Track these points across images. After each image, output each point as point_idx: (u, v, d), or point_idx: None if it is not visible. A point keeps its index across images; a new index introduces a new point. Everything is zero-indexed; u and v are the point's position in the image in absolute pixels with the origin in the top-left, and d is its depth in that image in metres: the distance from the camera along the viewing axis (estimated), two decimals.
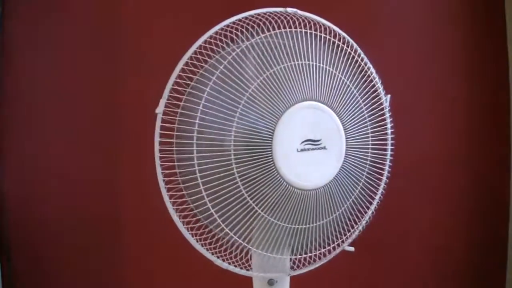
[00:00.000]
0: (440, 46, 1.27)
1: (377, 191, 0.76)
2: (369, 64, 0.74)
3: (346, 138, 0.70)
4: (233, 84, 0.65)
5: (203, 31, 0.67)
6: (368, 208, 0.75)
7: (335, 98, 0.69)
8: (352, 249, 0.75)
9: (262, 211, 0.66)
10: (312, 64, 0.68)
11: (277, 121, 0.65)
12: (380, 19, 1.27)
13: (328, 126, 0.69)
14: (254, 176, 0.65)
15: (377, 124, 0.75)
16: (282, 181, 0.66)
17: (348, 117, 0.71)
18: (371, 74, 0.74)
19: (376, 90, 0.75)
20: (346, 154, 0.70)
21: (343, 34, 0.73)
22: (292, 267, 0.74)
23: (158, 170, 0.66)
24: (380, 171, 0.76)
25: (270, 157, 0.65)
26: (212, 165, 0.65)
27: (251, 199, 0.66)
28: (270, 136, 0.65)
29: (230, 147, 0.65)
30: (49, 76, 1.28)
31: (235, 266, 0.70)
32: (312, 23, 0.71)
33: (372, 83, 0.74)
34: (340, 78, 0.70)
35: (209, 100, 0.65)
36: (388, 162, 0.76)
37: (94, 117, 1.29)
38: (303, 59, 0.68)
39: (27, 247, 1.30)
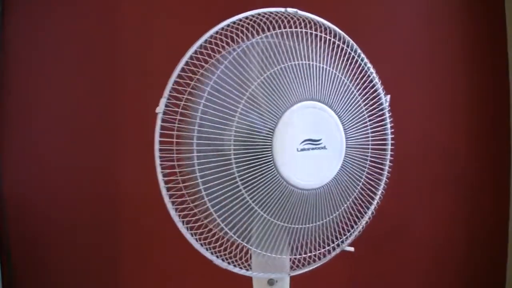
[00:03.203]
0: (439, 46, 1.27)
1: (377, 191, 0.76)
2: (368, 64, 0.74)
3: (346, 138, 0.70)
4: (234, 84, 0.65)
5: (205, 31, 0.67)
6: (368, 208, 0.75)
7: (335, 98, 0.69)
8: (352, 249, 0.75)
9: (262, 210, 0.66)
10: (313, 64, 0.68)
11: (278, 120, 0.65)
12: (379, 19, 1.27)
13: (328, 126, 0.69)
14: (254, 176, 0.65)
15: (377, 124, 0.74)
16: (282, 180, 0.66)
17: (348, 117, 0.71)
18: (371, 74, 0.74)
19: (376, 90, 0.75)
20: (346, 154, 0.70)
21: (343, 33, 0.73)
22: (292, 267, 0.74)
23: (158, 170, 0.65)
24: (380, 171, 0.75)
25: (270, 157, 0.65)
26: (212, 164, 0.65)
27: (250, 198, 0.66)
28: (270, 136, 0.65)
29: (230, 147, 0.65)
30: (49, 75, 1.28)
31: (235, 265, 0.70)
32: (312, 23, 0.71)
33: (372, 83, 0.74)
34: (340, 78, 0.70)
35: (209, 100, 0.65)
36: (388, 162, 0.76)
37: (95, 116, 1.28)
38: (303, 59, 0.68)
39: (27, 247, 1.29)
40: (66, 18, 1.28)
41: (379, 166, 0.75)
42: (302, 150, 0.67)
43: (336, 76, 0.70)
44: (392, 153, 0.77)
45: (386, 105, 0.76)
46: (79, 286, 1.31)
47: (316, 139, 0.68)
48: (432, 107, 1.27)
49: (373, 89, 0.75)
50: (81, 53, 1.28)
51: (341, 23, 0.73)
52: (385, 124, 0.76)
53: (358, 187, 0.73)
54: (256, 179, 0.65)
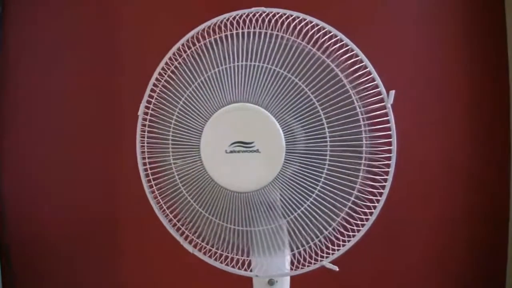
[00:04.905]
0: (438, 46, 1.27)
1: (344, 206, 0.68)
2: (365, 60, 0.68)
3: (288, 142, 0.66)
4: (173, 90, 0.72)
5: None
6: (329, 224, 0.68)
7: (274, 99, 0.66)
8: (335, 268, 0.71)
9: (198, 205, 0.71)
10: (252, 65, 0.67)
11: (205, 122, 0.68)
12: (378, 19, 1.27)
13: (263, 128, 0.66)
14: (188, 173, 0.70)
15: (337, 128, 0.67)
16: (210, 180, 0.69)
17: (292, 119, 0.66)
18: (339, 73, 0.66)
19: (348, 92, 0.67)
20: (287, 160, 0.66)
21: (328, 27, 0.68)
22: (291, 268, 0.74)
23: (142, 174, 0.75)
24: (352, 184, 0.67)
25: (198, 156, 0.69)
26: (156, 159, 0.73)
27: (187, 192, 0.71)
28: (198, 137, 0.69)
29: (169, 147, 0.71)
30: (49, 76, 1.29)
31: (235, 266, 0.73)
32: (290, 17, 0.68)
33: (342, 83, 0.66)
34: (289, 78, 0.66)
35: (157, 106, 0.73)
36: (361, 174, 0.69)
37: (94, 117, 1.29)
38: (240, 61, 0.68)
39: (27, 247, 1.30)
40: (66, 18, 1.28)
41: (347, 178, 0.67)
42: (232, 152, 0.68)
43: (284, 77, 0.66)
44: (371, 162, 0.69)
45: (388, 104, 0.69)
46: (79, 286, 1.31)
47: (247, 141, 0.67)
48: (432, 107, 1.27)
49: (341, 89, 0.67)
50: (81, 53, 1.28)
51: (339, 23, 0.72)
52: (358, 127, 0.67)
53: (310, 198, 0.68)
54: (189, 175, 0.70)
